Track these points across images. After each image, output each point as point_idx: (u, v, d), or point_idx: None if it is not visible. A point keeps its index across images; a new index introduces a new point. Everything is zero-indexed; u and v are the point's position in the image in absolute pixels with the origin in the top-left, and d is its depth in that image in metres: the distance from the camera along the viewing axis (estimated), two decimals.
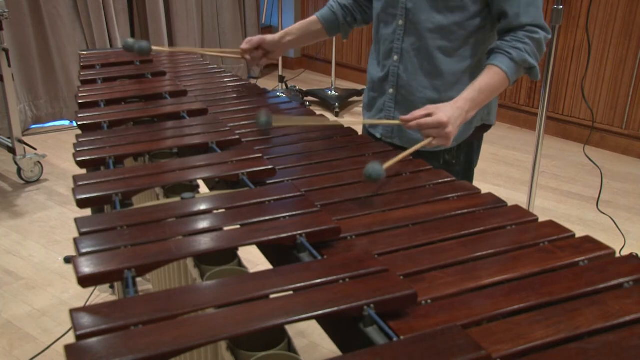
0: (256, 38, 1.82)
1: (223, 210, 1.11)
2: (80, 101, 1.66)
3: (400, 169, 1.34)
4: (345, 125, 1.58)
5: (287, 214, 1.08)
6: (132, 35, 3.94)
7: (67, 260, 2.47)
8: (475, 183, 1.40)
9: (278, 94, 4.13)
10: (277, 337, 0.84)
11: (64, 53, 3.96)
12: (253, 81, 3.61)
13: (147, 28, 4.34)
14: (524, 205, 1.28)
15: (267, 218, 1.07)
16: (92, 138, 1.43)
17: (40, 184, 3.29)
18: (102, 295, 2.37)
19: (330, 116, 2.72)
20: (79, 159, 1.32)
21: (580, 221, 3.02)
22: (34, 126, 4.02)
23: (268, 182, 1.27)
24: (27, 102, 3.93)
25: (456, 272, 0.95)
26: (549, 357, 0.76)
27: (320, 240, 1.03)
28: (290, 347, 0.84)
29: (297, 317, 0.79)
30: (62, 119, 4.10)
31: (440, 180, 1.28)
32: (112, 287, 2.35)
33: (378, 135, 1.67)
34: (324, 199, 1.19)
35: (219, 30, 4.83)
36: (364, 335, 0.81)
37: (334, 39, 4.64)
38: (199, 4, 4.65)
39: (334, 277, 0.88)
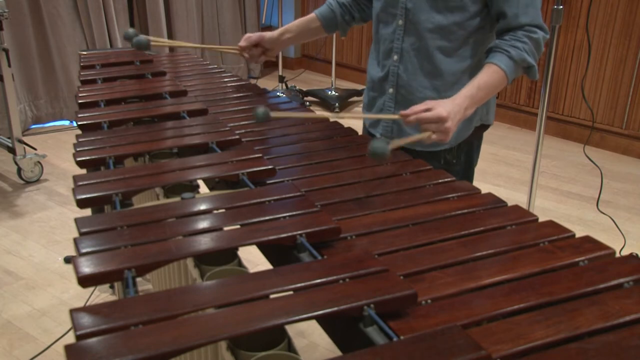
0: (255, 36, 1.82)
1: (223, 210, 1.11)
2: (80, 101, 1.66)
3: (400, 169, 1.34)
4: (344, 119, 1.58)
5: (287, 214, 1.08)
6: None
7: (67, 260, 2.47)
8: (475, 183, 1.40)
9: (278, 94, 4.13)
10: (277, 337, 0.84)
11: (64, 53, 3.96)
12: (253, 81, 3.61)
13: (147, 28, 4.34)
14: (524, 205, 1.28)
15: (267, 218, 1.07)
16: (92, 138, 1.43)
17: (40, 184, 3.29)
18: (102, 295, 2.37)
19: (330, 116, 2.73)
20: (79, 159, 1.32)
21: (580, 221, 3.02)
22: (34, 126, 4.02)
23: (268, 182, 1.27)
24: (27, 102, 3.93)
25: (456, 272, 0.95)
26: (549, 357, 0.76)
27: (320, 240, 1.03)
28: (290, 347, 0.84)
29: (297, 317, 0.79)
30: (62, 119, 4.10)
31: (440, 180, 1.28)
32: (112, 287, 2.35)
33: (378, 135, 1.67)
34: (324, 199, 1.19)
35: (219, 30, 4.84)
36: (364, 335, 0.81)
37: (334, 38, 4.64)
38: (199, 4, 4.65)
39: (334, 277, 0.88)
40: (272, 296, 0.84)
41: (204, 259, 1.03)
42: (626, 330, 0.81)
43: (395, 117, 1.43)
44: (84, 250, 0.94)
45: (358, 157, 1.41)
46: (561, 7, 2.17)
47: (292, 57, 5.37)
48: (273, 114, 1.48)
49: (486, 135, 1.70)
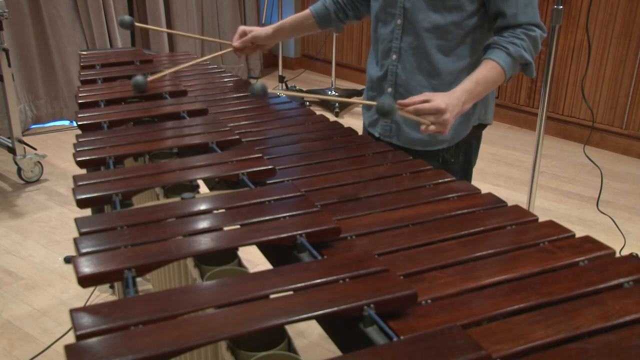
0: (249, 37, 1.83)
1: (223, 210, 1.11)
2: (80, 101, 1.66)
3: (400, 169, 1.34)
4: (344, 119, 1.58)
5: (287, 214, 1.08)
6: (132, 35, 3.94)
7: (67, 260, 2.47)
8: (475, 183, 1.40)
9: (278, 94, 4.13)
10: (277, 337, 0.84)
11: (64, 53, 3.96)
12: (253, 81, 3.61)
13: None
14: (524, 205, 1.28)
15: (267, 218, 1.07)
16: (92, 138, 1.43)
17: (40, 184, 3.29)
18: (102, 295, 2.37)
19: (330, 116, 2.72)
20: (79, 159, 1.32)
21: (580, 221, 3.02)
22: (34, 126, 4.02)
23: (268, 182, 1.27)
24: (27, 102, 3.93)
25: (456, 272, 0.95)
26: (549, 357, 0.76)
27: (320, 240, 1.03)
28: (290, 347, 0.84)
29: (297, 317, 0.79)
30: (62, 119, 4.10)
31: (440, 180, 1.28)
32: (112, 287, 2.35)
33: (377, 135, 1.67)
34: (324, 199, 1.19)
35: (219, 30, 4.84)
36: (364, 335, 0.81)
37: (335, 38, 4.64)
38: (199, 4, 4.65)
39: (334, 277, 0.88)
40: (272, 296, 0.84)
41: (204, 259, 1.03)
42: (626, 330, 0.81)
43: (395, 106, 1.36)
44: (84, 250, 0.94)
45: (358, 157, 1.41)
46: (561, 7, 2.17)
47: (292, 57, 5.37)
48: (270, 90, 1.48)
49: (486, 135, 1.70)
